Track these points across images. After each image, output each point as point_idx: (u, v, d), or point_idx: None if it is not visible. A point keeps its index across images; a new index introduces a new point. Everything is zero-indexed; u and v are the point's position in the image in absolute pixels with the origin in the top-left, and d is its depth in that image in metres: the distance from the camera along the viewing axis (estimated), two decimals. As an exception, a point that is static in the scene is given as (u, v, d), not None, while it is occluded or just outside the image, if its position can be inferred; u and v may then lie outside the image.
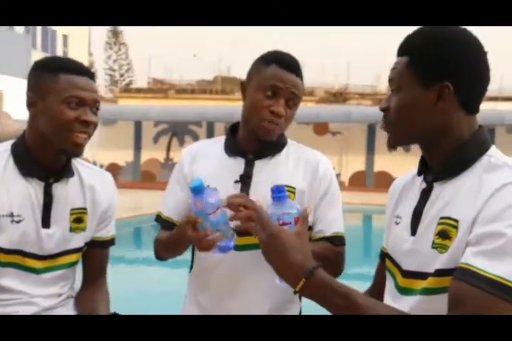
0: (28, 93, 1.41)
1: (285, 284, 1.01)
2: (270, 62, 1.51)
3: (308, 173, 1.56)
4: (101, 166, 16.62)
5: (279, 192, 1.06)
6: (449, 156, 1.07)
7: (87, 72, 1.41)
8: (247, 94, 1.54)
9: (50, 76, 1.37)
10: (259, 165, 1.56)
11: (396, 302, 1.09)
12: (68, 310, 1.51)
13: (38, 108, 1.39)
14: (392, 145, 1.13)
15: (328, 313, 0.96)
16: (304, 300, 1.63)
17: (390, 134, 1.12)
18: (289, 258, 0.96)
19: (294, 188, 1.52)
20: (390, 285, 1.17)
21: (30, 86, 1.41)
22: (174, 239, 1.50)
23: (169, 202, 1.64)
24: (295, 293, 0.97)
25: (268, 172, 1.54)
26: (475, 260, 0.92)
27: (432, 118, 1.06)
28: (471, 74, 1.05)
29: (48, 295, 1.45)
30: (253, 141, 1.56)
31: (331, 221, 1.56)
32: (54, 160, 1.43)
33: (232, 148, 1.59)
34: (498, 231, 0.92)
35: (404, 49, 1.10)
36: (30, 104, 1.40)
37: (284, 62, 1.50)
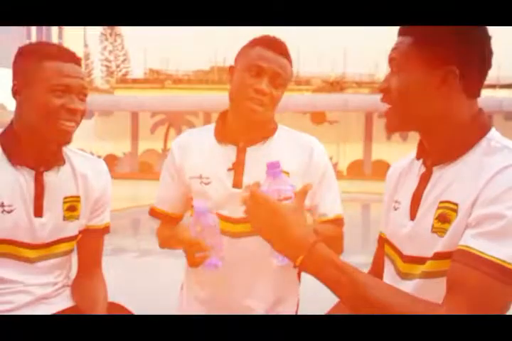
0: (13, 81, 1.38)
1: (283, 261, 1.00)
2: (255, 44, 1.52)
3: (302, 158, 1.55)
4: (98, 157, 16.57)
5: (276, 168, 1.04)
6: (448, 140, 1.06)
7: (73, 58, 1.38)
8: (233, 78, 1.54)
9: (35, 63, 1.34)
10: (252, 152, 1.54)
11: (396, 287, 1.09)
12: (63, 299, 1.50)
13: (23, 96, 1.36)
14: (391, 129, 1.10)
15: (323, 312, 0.96)
16: (301, 294, 1.63)
17: (390, 117, 1.09)
18: (291, 232, 0.95)
19: (287, 173, 1.51)
20: (389, 270, 1.16)
21: (15, 73, 1.38)
22: (169, 242, 1.56)
23: (164, 196, 1.65)
24: (295, 267, 0.96)
25: (261, 159, 1.52)
26: (475, 242, 0.91)
27: (433, 102, 1.04)
28: (477, 59, 1.03)
29: (42, 284, 1.44)
30: (243, 126, 1.54)
31: (332, 203, 1.58)
32: (43, 149, 1.41)
33: (223, 135, 1.57)
34: (498, 213, 0.91)
35: (409, 29, 1.06)
36: (15, 93, 1.38)
37: (269, 44, 1.51)
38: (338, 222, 1.57)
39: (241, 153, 1.54)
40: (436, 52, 1.02)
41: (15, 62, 1.39)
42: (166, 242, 1.62)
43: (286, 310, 1.58)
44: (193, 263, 1.38)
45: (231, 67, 1.57)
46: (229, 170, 1.53)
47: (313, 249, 0.94)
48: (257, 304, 1.53)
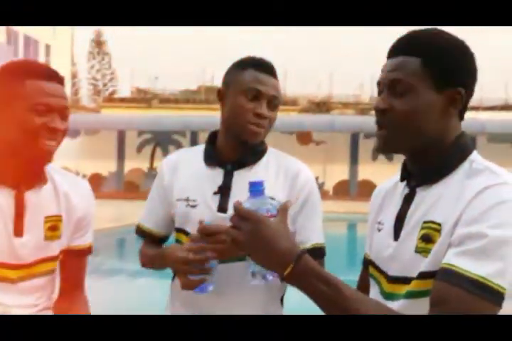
0: None
1: (266, 277, 1.02)
2: (247, 66, 1.52)
3: (287, 183, 1.53)
4: (84, 176, 16.50)
5: (258, 186, 1.05)
6: (432, 161, 1.07)
7: (55, 77, 1.37)
8: (226, 101, 1.53)
9: (16, 82, 1.33)
10: (239, 176, 1.53)
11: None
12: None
13: (4, 115, 1.35)
14: (384, 150, 1.10)
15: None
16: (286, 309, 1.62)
17: (385, 138, 1.08)
18: (278, 245, 0.95)
19: (273, 199, 1.50)
20: (374, 291, 1.16)
21: None
22: (157, 261, 1.55)
23: (150, 214, 1.65)
24: (282, 280, 0.96)
25: (247, 183, 1.53)
26: (457, 260, 0.93)
27: (436, 124, 1.06)
28: (474, 81, 1.08)
29: (23, 306, 1.41)
30: (233, 148, 1.54)
31: (311, 232, 1.53)
32: (23, 168, 1.39)
33: (211, 157, 1.57)
34: (480, 232, 0.93)
35: (413, 49, 1.06)
36: None
37: (260, 66, 1.52)
38: (315, 251, 1.50)
39: (228, 177, 1.53)
40: (446, 74, 1.04)
41: None
42: (151, 261, 1.61)
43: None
44: (188, 285, 1.38)
45: (220, 90, 1.55)
46: (215, 193, 1.52)
47: (300, 261, 0.94)
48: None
